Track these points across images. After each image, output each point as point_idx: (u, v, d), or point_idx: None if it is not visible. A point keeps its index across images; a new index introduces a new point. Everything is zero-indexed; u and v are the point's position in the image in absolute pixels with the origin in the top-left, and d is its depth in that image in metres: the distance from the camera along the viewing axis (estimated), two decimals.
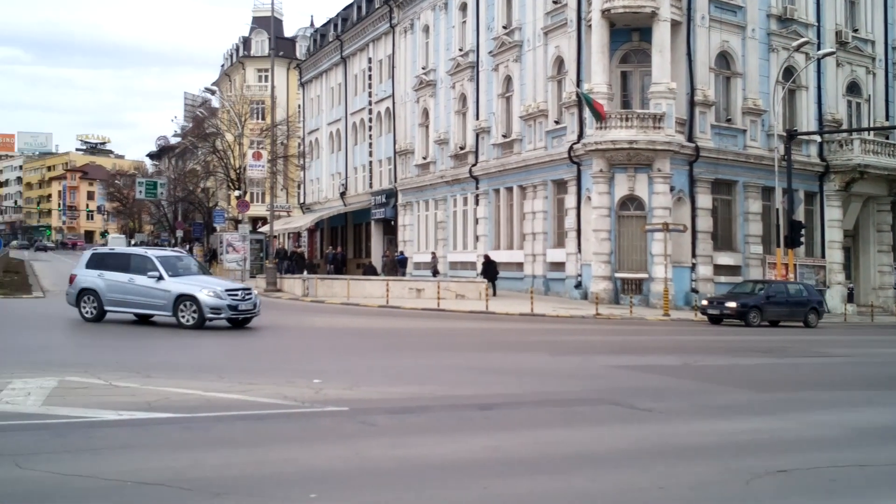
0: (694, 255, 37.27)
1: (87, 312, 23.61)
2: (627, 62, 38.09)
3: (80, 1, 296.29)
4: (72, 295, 24.03)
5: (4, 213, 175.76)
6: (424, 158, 50.21)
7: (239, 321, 23.41)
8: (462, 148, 46.48)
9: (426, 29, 50.40)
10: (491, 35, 44.00)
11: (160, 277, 22.95)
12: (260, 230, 62.51)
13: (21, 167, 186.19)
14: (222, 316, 22.82)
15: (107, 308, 23.50)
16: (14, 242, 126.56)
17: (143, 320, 24.00)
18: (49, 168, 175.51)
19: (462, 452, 9.60)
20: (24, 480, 7.88)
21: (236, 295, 23.06)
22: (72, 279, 24.30)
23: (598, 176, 36.11)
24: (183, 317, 22.66)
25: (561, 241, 39.42)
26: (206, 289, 22.91)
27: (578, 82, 37.20)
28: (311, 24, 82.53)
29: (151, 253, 24.19)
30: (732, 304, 31.54)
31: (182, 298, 22.70)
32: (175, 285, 22.89)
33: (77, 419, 10.57)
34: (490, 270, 39.40)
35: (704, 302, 32.77)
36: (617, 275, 36.22)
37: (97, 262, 24.16)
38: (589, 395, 13.96)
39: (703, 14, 38.00)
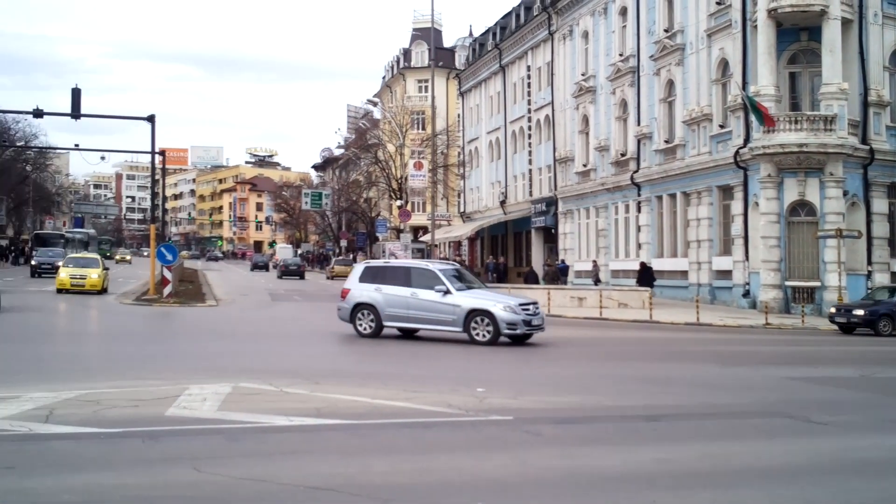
0: (870, 263, 35.65)
1: (363, 328, 22.86)
2: (795, 63, 36.80)
3: (248, 19, 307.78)
4: (345, 310, 23.27)
5: (179, 225, 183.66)
6: (585, 166, 49.80)
7: (523, 336, 22.21)
8: (623, 154, 45.89)
9: (585, 35, 50.03)
10: (652, 39, 43.30)
11: (447, 292, 22.07)
12: (421, 239, 63.25)
13: (194, 180, 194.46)
14: (518, 331, 21.78)
15: (386, 323, 22.79)
16: (184, 252, 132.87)
17: (407, 335, 23.36)
18: (220, 181, 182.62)
19: (630, 464, 9.39)
20: (201, 484, 8.12)
21: (528, 309, 22.05)
22: (344, 293, 23.55)
23: (766, 181, 35.00)
24: (476, 332, 21.68)
25: (727, 248, 38.38)
26: (500, 303, 21.97)
27: (744, 85, 36.16)
28: (470, 34, 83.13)
29: (435, 266, 23.47)
30: (860, 312, 28.89)
31: (475, 313, 21.76)
32: (465, 300, 22.03)
33: (250, 424, 10.86)
34: (646, 278, 38.78)
35: (832, 310, 30.22)
36: (787, 283, 34.98)
37: (372, 276, 23.36)
38: (761, 407, 13.47)
39: (876, 11, 36.40)
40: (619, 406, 13.35)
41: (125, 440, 9.85)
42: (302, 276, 71.02)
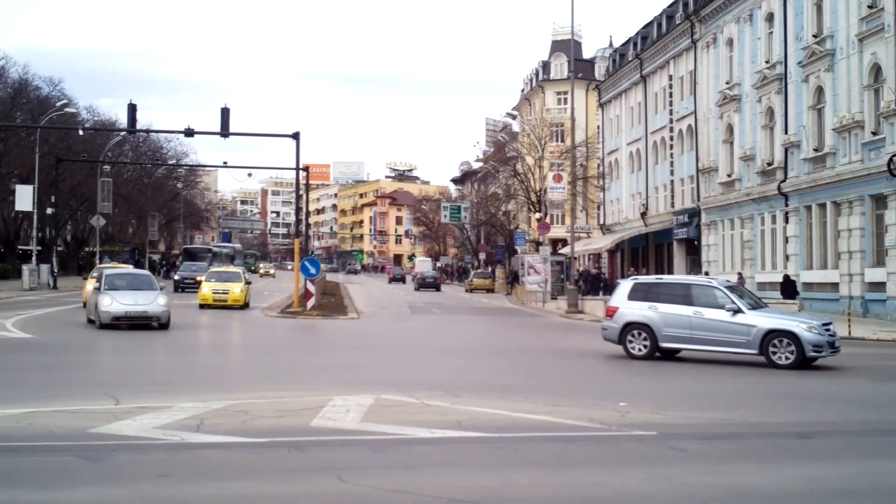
0: None
1: (636, 349, 21.42)
2: None
3: (390, 37, 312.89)
4: (613, 330, 21.83)
5: (321, 239, 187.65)
6: (729, 176, 48.67)
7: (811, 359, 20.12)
8: (769, 164, 44.65)
9: (729, 42, 48.95)
10: (800, 45, 42.03)
11: (738, 311, 20.32)
12: (560, 252, 62.93)
13: (336, 195, 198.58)
14: (823, 354, 19.91)
15: (662, 344, 21.28)
16: (324, 266, 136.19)
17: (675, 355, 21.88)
18: (361, 195, 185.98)
19: (780, 482, 9.10)
20: (346, 494, 8.24)
21: (829, 329, 20.25)
22: (610, 312, 22.15)
23: None
24: (776, 356, 19.84)
25: (880, 259, 36.85)
26: (804, 323, 20.15)
27: None
28: (610, 45, 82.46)
29: (719, 283, 22.00)
30: None
31: (774, 334, 19.93)
32: (760, 319, 20.26)
33: (393, 436, 10.96)
34: (789, 290, 37.64)
35: None
36: None
37: (644, 293, 21.77)
38: None
39: None
40: (767, 422, 12.94)
41: (272, 450, 10.07)
42: (438, 288, 72.88)
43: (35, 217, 56.26)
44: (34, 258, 54.63)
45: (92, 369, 17.60)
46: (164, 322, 26.53)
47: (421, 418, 12.05)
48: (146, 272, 33.68)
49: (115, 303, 25.99)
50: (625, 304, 21.76)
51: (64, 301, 38.90)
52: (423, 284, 73.63)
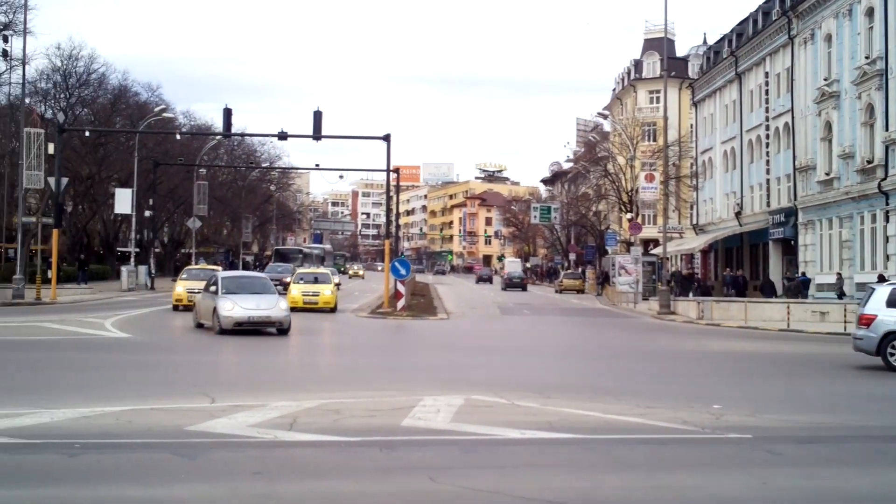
0: None
1: None
2: None
3: (480, 37, 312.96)
4: (870, 340, 19.85)
5: (411, 240, 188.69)
6: (827, 174, 47.52)
7: None
8: (869, 162, 43.46)
9: (828, 38, 47.78)
10: None
11: None
12: (652, 252, 62.20)
13: (426, 196, 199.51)
14: None
15: None
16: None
17: None
18: (450, 196, 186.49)
19: (880, 486, 8.90)
20: (437, 494, 8.25)
21: None
22: (865, 320, 20.02)
23: None
24: None
25: None
26: None
27: None
28: (704, 42, 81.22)
29: None
30: None
31: None
32: None
33: (483, 436, 10.94)
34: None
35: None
36: None
37: None
38: None
39: None
40: (867, 426, 12.62)
41: (363, 449, 10.14)
42: (524, 288, 75.32)
43: (133, 219, 57.71)
44: (132, 259, 56.02)
45: (188, 368, 17.95)
46: (285, 328, 25.09)
47: (511, 419, 12.01)
48: (262, 275, 33.16)
49: (236, 307, 24.49)
50: (884, 311, 19.75)
51: (161, 301, 39.78)
52: (510, 284, 75.93)
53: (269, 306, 24.97)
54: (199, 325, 26.43)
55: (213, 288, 25.99)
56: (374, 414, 12.25)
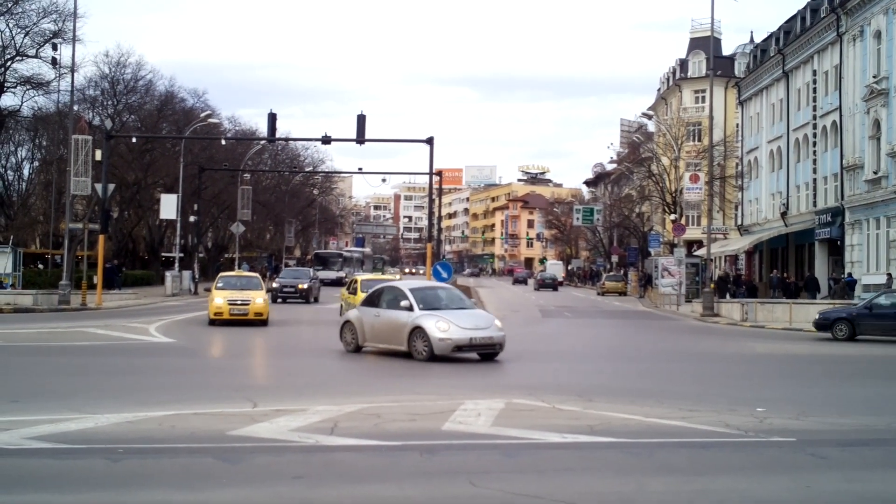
0: None
1: None
2: None
3: (522, 39, 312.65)
4: None
5: (452, 243, 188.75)
6: (875, 173, 46.84)
7: None
8: None
9: (877, 35, 47.10)
10: None
11: None
12: (696, 253, 61.70)
13: (468, 199, 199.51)
14: None
15: None
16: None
17: None
18: (493, 199, 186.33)
19: None
20: (478, 498, 8.24)
21: None
22: None
23: None
24: None
25: None
26: None
27: None
28: (751, 41, 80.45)
29: None
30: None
31: None
32: None
33: (524, 440, 10.89)
34: None
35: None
36: None
37: None
38: None
39: None
40: None
41: (404, 453, 10.14)
42: (555, 289, 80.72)
43: (178, 224, 58.27)
44: (177, 264, 56.57)
45: (230, 372, 18.06)
46: (499, 350, 20.92)
47: (552, 423, 11.94)
48: (449, 286, 26.38)
49: (452, 327, 19.99)
50: None
51: (204, 306, 40.08)
52: (543, 285, 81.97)
53: (486, 325, 20.89)
54: (357, 349, 21.85)
55: (404, 302, 20.86)
56: (414, 418, 12.24)
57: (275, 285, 47.21)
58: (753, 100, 67.39)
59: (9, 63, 50.76)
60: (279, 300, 45.27)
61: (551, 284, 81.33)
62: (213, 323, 30.11)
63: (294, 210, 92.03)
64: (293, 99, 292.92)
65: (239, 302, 29.95)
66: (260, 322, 30.25)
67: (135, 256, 69.92)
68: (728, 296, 48.42)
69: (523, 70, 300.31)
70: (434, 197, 54.58)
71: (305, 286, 46.19)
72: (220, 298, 30.17)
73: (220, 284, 31.53)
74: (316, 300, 47.98)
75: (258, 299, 30.39)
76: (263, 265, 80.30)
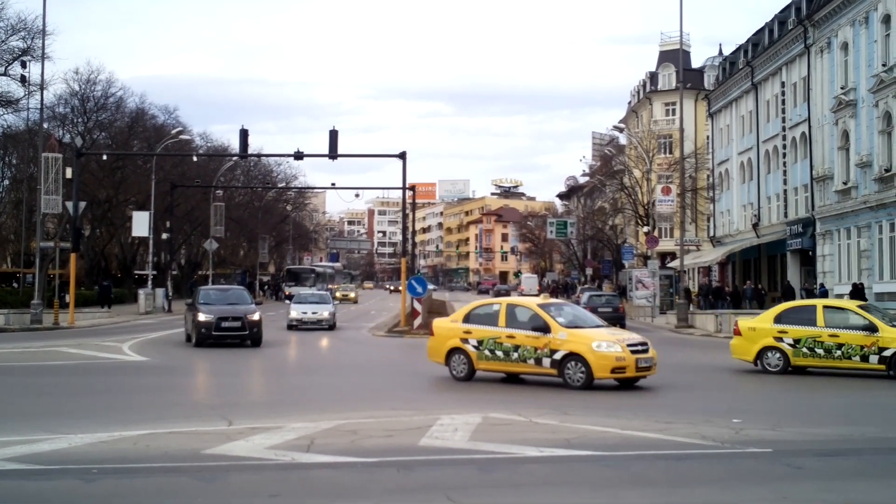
0: None
1: None
2: None
3: (495, 53, 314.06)
4: None
5: (427, 258, 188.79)
6: (845, 183, 47.26)
7: None
8: (887, 170, 43.20)
9: (844, 46, 47.60)
10: None
11: None
12: (669, 265, 61.99)
13: (442, 213, 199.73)
14: None
15: None
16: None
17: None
18: (466, 213, 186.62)
19: None
20: None
21: None
22: None
23: None
24: None
25: None
26: None
27: None
28: (720, 53, 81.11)
29: None
30: None
31: None
32: None
33: (501, 455, 10.88)
34: (859, 298, 36.58)
35: None
36: None
37: None
38: None
39: None
40: (887, 437, 12.52)
41: (381, 469, 10.11)
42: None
43: (151, 242, 57.88)
44: (150, 282, 56.19)
45: (205, 391, 17.99)
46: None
47: (529, 436, 11.95)
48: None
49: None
50: None
51: (177, 324, 39.77)
52: (498, 294, 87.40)
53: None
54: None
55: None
56: (391, 434, 12.22)
57: (293, 315, 39.01)
58: (723, 112, 67.92)
59: None
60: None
61: (506, 294, 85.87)
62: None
63: (268, 226, 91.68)
64: (265, 115, 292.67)
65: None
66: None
67: (107, 274, 69.35)
68: (710, 308, 48.62)
69: (496, 84, 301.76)
70: (407, 212, 54.54)
71: (327, 315, 39.08)
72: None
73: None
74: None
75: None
76: (237, 282, 79.88)
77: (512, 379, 19.26)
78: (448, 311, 54.69)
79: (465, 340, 19.13)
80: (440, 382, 19.29)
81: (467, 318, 19.61)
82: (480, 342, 18.90)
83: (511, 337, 18.44)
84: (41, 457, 10.60)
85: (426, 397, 16.65)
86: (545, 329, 18.01)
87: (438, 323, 20.72)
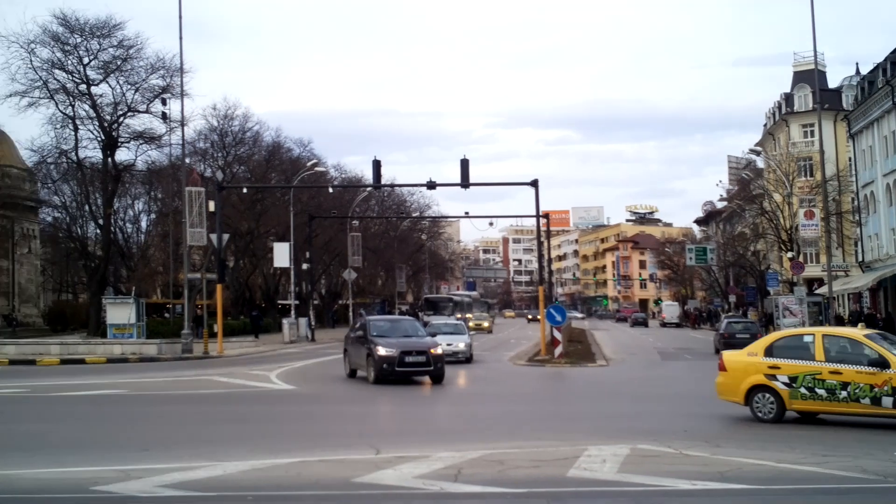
0: None
1: None
2: None
3: (623, 79, 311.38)
4: None
5: (564, 285, 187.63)
6: None
7: None
8: None
9: None
10: None
11: None
12: (817, 292, 60.03)
13: (577, 240, 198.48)
14: None
15: None
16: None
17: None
18: (602, 240, 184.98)
19: None
20: None
21: None
22: None
23: None
24: None
25: None
26: None
27: None
28: (857, 72, 78.45)
29: None
30: None
31: None
32: None
33: (652, 487, 10.69)
34: None
35: None
36: None
37: None
38: None
39: None
40: None
41: (530, 500, 10.07)
42: (646, 325, 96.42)
43: (292, 272, 59.22)
44: (293, 312, 57.43)
45: (352, 419, 18.19)
46: None
47: (680, 469, 11.69)
48: None
49: None
50: None
51: (322, 353, 40.60)
52: (636, 322, 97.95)
53: None
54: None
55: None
56: (538, 464, 12.13)
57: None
58: (864, 132, 65.58)
59: (121, 119, 52.89)
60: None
61: (643, 322, 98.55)
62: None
63: (404, 255, 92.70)
64: (396, 145, 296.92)
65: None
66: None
67: (252, 304, 71.32)
68: None
69: (625, 109, 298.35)
70: (542, 239, 54.35)
71: (462, 346, 35.59)
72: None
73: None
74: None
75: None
76: (376, 311, 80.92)
77: (653, 408, 18.88)
78: (589, 340, 54.31)
79: (772, 377, 16.92)
80: (585, 412, 19.12)
81: (769, 351, 17.33)
82: (793, 379, 16.67)
83: (836, 373, 16.23)
84: (197, 484, 10.92)
85: (572, 427, 16.47)
86: (883, 364, 15.81)
87: (730, 357, 18.28)
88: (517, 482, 10.88)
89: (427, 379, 26.04)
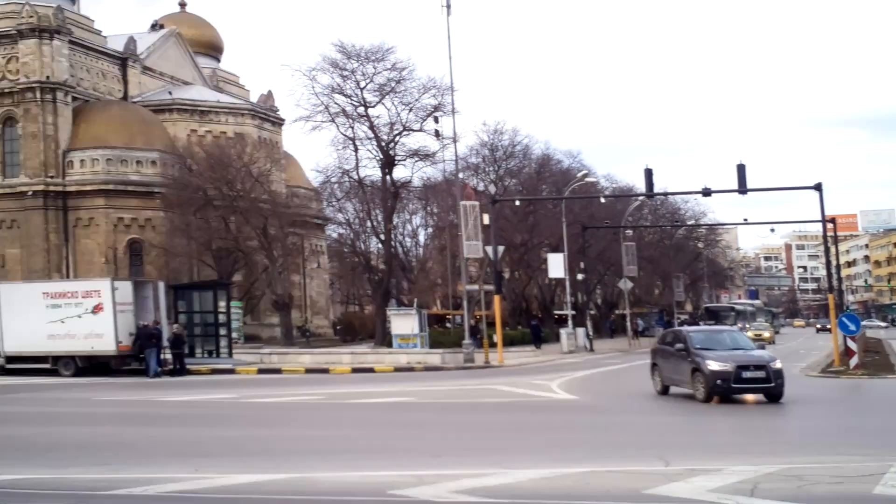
0: None
1: None
2: None
3: None
4: None
5: (855, 293, 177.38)
6: None
7: None
8: None
9: None
10: None
11: None
12: None
13: (867, 245, 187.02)
14: None
15: None
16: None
17: None
18: (895, 244, 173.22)
19: None
20: None
21: None
22: None
23: None
24: None
25: None
26: None
27: None
28: None
29: None
30: None
31: None
32: None
33: None
34: None
35: None
36: None
37: None
38: None
39: None
40: None
41: None
42: None
43: (567, 283, 59.35)
44: (570, 322, 57.56)
45: (637, 430, 17.97)
46: None
47: None
48: None
49: None
50: None
51: (602, 363, 40.40)
52: None
53: None
54: None
55: None
56: (841, 480, 11.47)
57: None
58: None
59: (398, 138, 54.84)
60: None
61: None
62: None
63: (680, 264, 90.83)
64: (666, 154, 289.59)
65: None
66: None
67: (528, 315, 72.14)
68: None
69: None
70: (829, 245, 51.57)
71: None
72: None
73: None
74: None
75: None
76: (654, 321, 79.75)
77: None
78: (886, 351, 50.76)
79: None
80: (892, 427, 17.92)
81: None
82: None
83: None
84: (490, 490, 11.06)
85: (875, 442, 15.47)
86: None
87: None
88: (818, 499, 10.35)
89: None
